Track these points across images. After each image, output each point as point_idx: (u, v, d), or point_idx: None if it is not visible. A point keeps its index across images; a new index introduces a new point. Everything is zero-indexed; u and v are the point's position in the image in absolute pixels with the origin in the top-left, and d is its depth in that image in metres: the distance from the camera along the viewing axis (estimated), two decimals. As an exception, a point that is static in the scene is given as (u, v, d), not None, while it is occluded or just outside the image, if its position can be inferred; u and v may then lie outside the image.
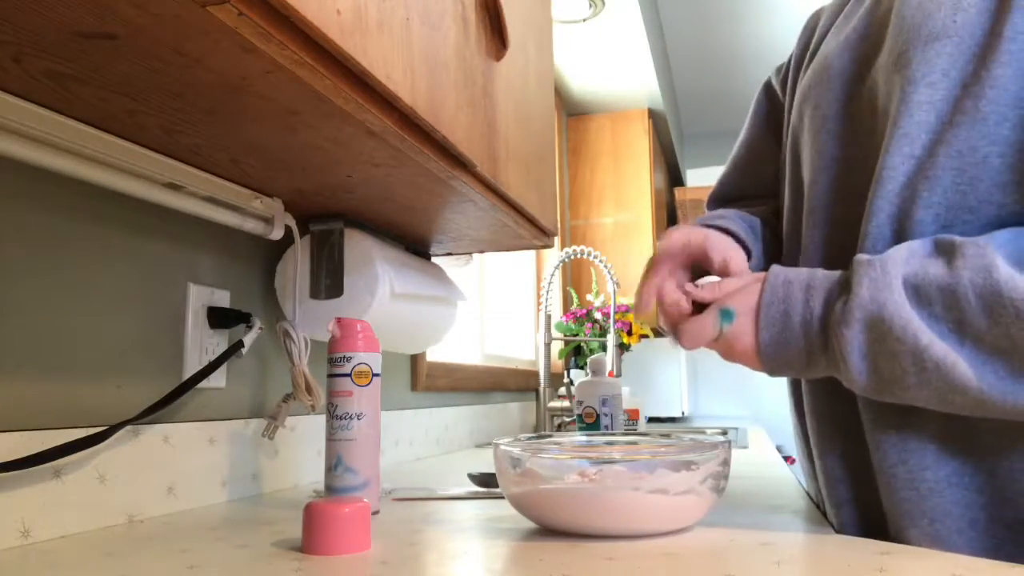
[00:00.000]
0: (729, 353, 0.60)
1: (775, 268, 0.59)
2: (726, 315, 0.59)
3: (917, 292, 0.51)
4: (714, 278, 0.65)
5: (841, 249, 0.62)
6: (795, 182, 0.72)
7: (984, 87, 0.53)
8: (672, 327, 0.65)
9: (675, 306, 0.64)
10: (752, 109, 0.89)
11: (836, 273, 0.57)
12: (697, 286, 0.64)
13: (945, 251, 0.51)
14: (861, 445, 0.61)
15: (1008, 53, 0.53)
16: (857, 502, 0.63)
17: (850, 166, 0.63)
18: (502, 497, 0.83)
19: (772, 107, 0.87)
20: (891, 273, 0.52)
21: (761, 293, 0.58)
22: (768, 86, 0.88)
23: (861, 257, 0.54)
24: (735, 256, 0.67)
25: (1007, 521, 0.53)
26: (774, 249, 0.79)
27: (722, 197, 0.92)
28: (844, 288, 0.54)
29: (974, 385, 0.49)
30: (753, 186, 0.88)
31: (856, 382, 0.54)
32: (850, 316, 0.52)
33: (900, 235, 0.56)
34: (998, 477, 0.53)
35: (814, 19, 0.81)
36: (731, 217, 0.76)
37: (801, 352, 0.56)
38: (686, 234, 0.68)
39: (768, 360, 0.58)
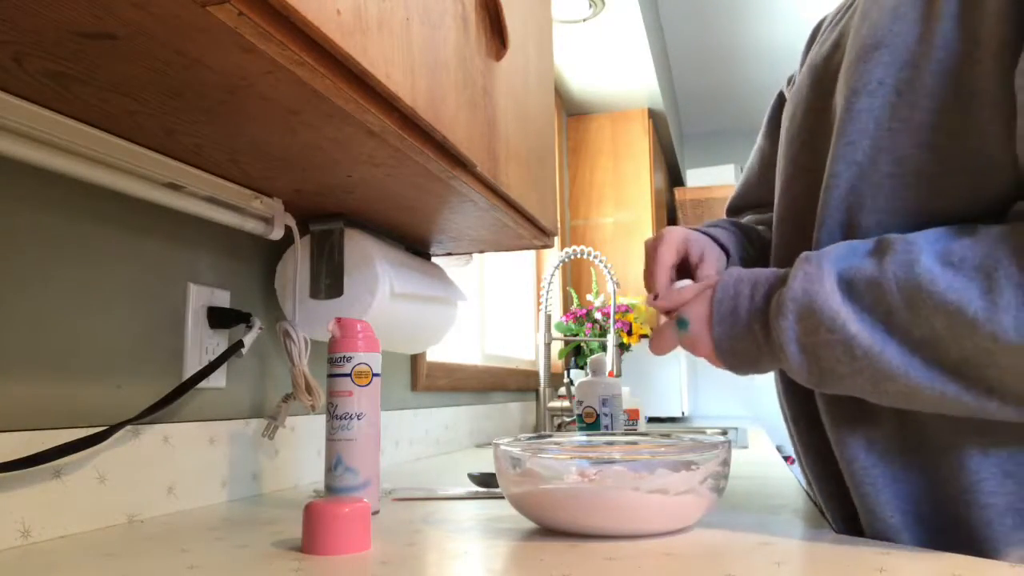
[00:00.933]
0: (695, 353, 0.63)
1: (730, 269, 0.62)
2: (682, 324, 0.61)
3: (850, 286, 0.52)
4: (687, 282, 0.68)
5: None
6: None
7: (917, 95, 0.54)
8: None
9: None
10: (766, 117, 0.92)
11: (782, 270, 0.58)
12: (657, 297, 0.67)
13: (880, 248, 0.53)
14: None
15: (938, 62, 0.54)
16: (836, 499, 0.64)
17: (813, 175, 0.65)
18: (502, 497, 0.83)
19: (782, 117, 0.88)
20: (825, 268, 0.53)
21: (713, 292, 0.60)
22: (780, 96, 0.91)
23: (803, 254, 0.56)
24: (707, 257, 0.70)
25: (952, 517, 0.54)
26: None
27: (738, 207, 0.95)
28: (783, 282, 0.56)
29: (901, 373, 0.50)
30: (766, 194, 0.90)
31: (798, 373, 0.55)
32: (784, 308, 0.54)
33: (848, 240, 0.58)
34: (942, 473, 0.55)
35: (815, 30, 0.82)
36: (721, 225, 0.79)
37: (750, 345, 0.58)
38: (674, 237, 0.71)
39: (724, 355, 0.59)
